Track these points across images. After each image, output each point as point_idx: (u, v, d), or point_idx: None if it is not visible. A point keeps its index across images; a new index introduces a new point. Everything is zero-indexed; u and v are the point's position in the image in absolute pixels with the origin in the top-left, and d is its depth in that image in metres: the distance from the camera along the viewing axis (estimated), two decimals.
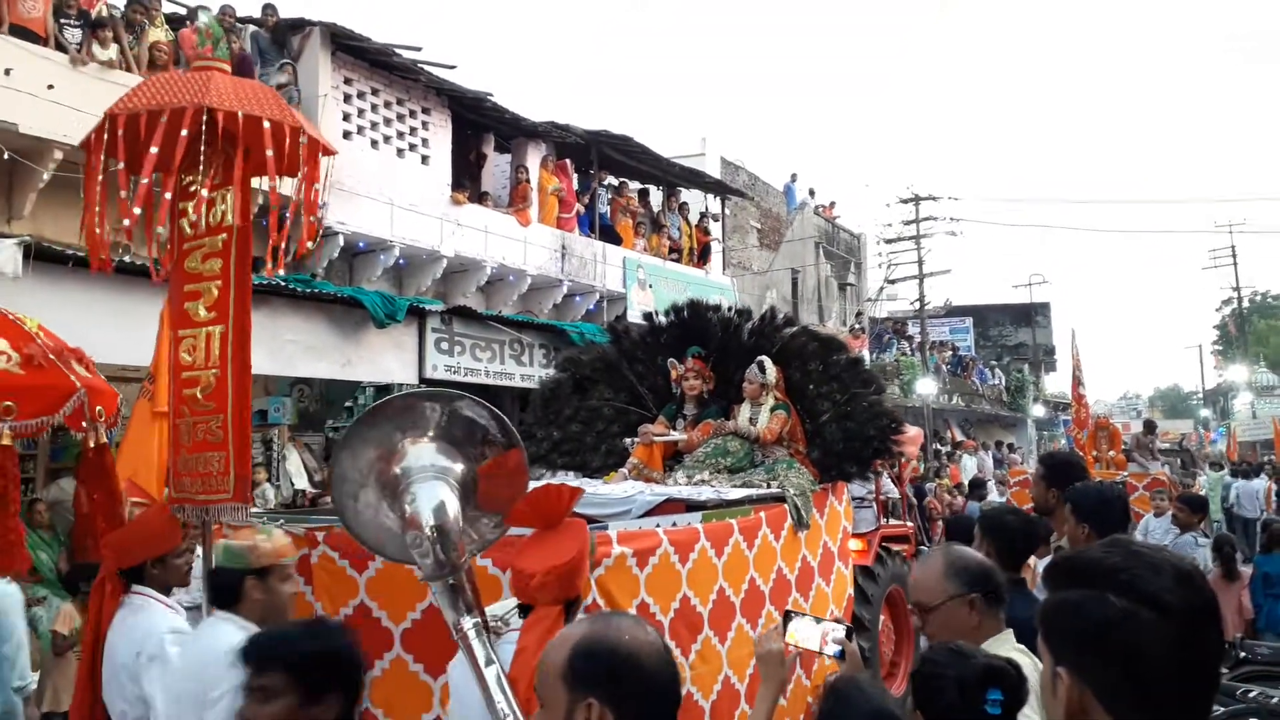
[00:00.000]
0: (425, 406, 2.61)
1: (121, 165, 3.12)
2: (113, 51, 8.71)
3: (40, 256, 7.37)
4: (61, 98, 8.11)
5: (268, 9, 10.66)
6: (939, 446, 21.75)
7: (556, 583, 2.52)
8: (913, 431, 8.25)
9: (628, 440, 5.65)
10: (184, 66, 9.65)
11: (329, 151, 3.47)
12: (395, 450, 2.55)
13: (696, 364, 5.76)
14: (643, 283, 14.81)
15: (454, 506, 2.49)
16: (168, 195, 3.22)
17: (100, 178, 3.23)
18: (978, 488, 13.99)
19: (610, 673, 1.59)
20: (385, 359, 10.41)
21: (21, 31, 8.25)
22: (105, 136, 3.12)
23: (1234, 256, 42.09)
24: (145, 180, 3.21)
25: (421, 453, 2.55)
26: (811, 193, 24.64)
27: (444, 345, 10.97)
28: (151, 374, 4.61)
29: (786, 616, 2.73)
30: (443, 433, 2.59)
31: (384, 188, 10.95)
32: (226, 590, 2.92)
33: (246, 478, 3.24)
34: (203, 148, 3.03)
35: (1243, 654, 6.64)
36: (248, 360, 3.25)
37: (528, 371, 12.07)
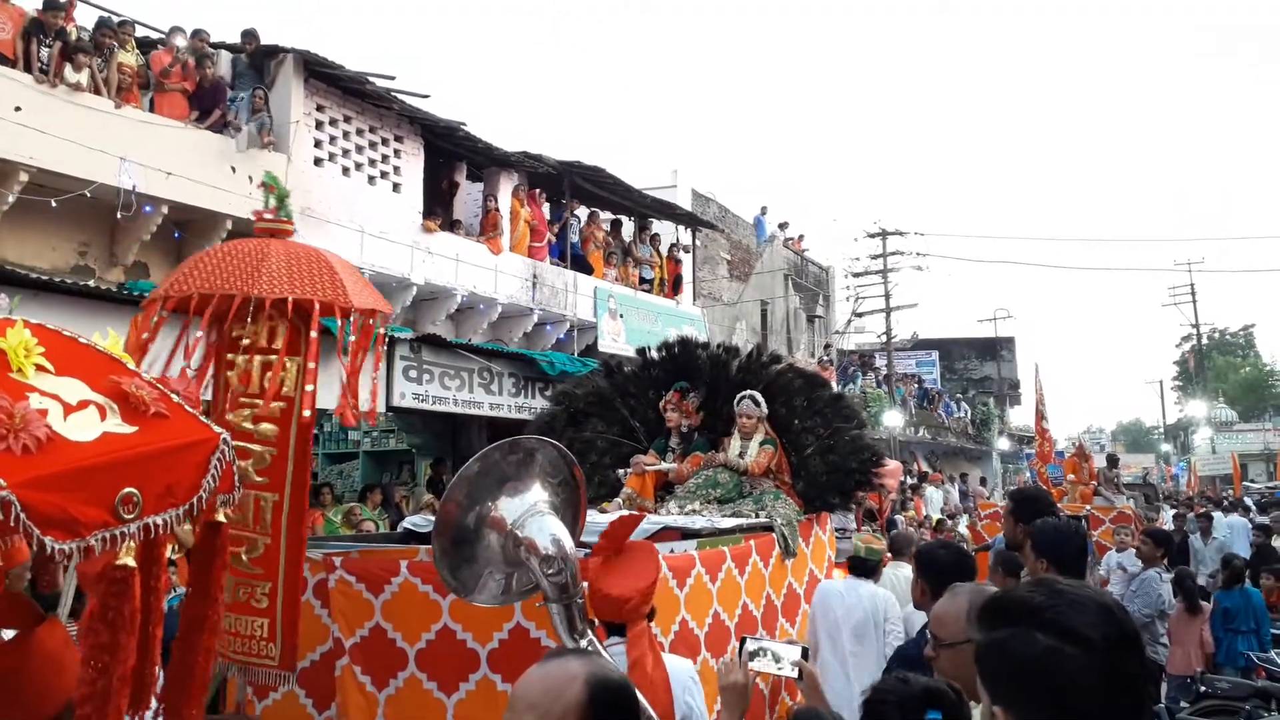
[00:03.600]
0: (516, 453, 2.96)
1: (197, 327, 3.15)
2: (84, 75, 8.66)
3: (3, 280, 7.26)
4: (29, 120, 8.04)
5: (247, 35, 10.65)
6: (905, 479, 21.86)
7: (647, 601, 2.98)
8: (892, 465, 8.36)
9: (620, 471, 5.79)
10: (154, 89, 9.63)
11: (385, 313, 3.42)
12: (498, 496, 2.88)
13: (674, 397, 5.90)
14: (614, 312, 14.84)
15: (567, 536, 2.86)
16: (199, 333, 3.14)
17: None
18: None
19: (625, 706, 1.70)
20: (322, 381, 10.30)
21: None
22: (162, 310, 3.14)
23: (1193, 294, 43.04)
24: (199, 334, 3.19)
25: (523, 494, 2.91)
26: (782, 226, 24.87)
27: (412, 373, 10.90)
28: None
29: (743, 642, 2.81)
30: (533, 475, 2.96)
31: (354, 215, 10.93)
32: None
33: (295, 647, 3.19)
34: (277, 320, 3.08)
35: (1203, 688, 6.71)
36: (303, 534, 3.20)
37: (496, 400, 12.02)
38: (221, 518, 2.23)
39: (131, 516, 1.82)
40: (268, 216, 3.34)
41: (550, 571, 2.79)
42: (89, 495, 1.75)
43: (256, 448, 3.17)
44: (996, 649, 1.40)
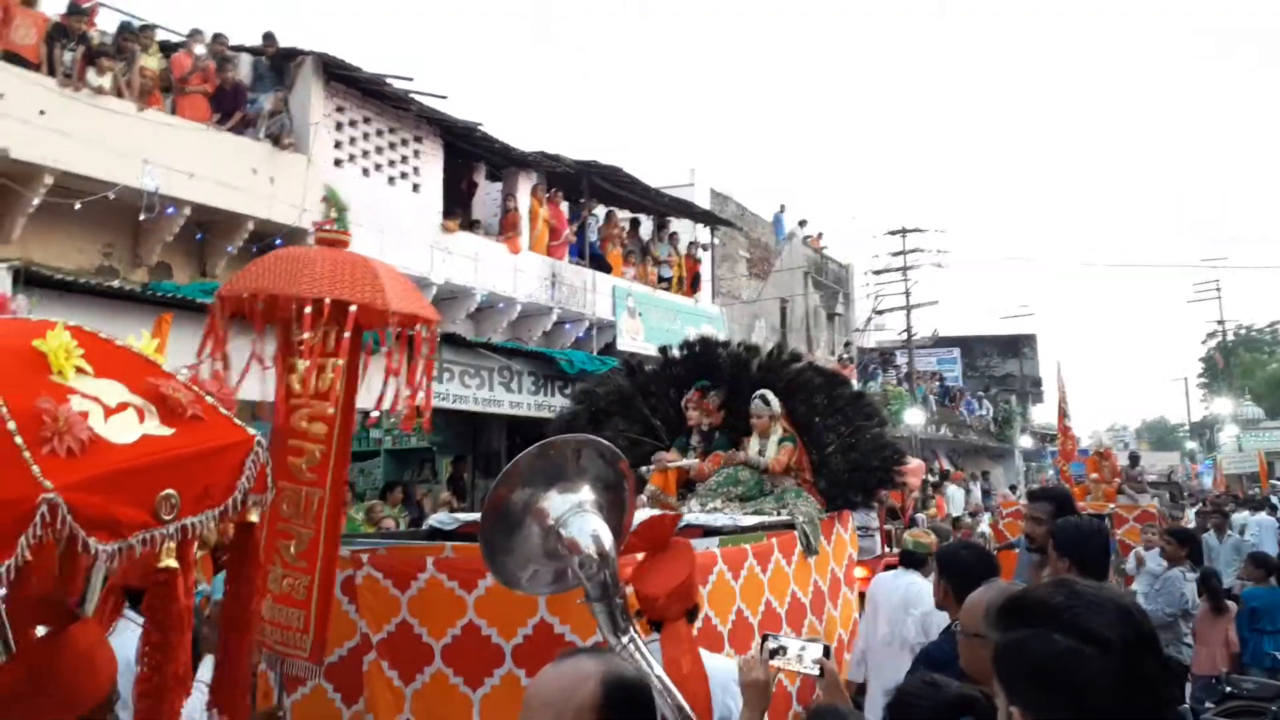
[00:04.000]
0: (563, 451, 2.97)
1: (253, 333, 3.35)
2: (106, 79, 8.75)
3: (30, 281, 7.34)
4: (52, 123, 8.13)
5: (267, 38, 10.73)
6: (927, 477, 21.76)
7: (678, 600, 3.03)
8: (914, 463, 8.37)
9: (642, 469, 5.80)
10: (175, 91, 9.72)
11: (430, 320, 3.56)
12: (545, 493, 2.90)
13: (695, 396, 5.94)
14: (632, 311, 14.85)
15: (608, 535, 2.86)
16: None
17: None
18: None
19: (643, 704, 1.70)
20: (373, 385, 10.38)
21: (14, 58, 8.27)
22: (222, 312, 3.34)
23: (1218, 290, 42.53)
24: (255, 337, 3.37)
25: (565, 493, 2.91)
26: (801, 223, 24.80)
27: (433, 372, 10.94)
28: None
29: (764, 639, 2.82)
30: (581, 472, 2.96)
31: (374, 216, 10.95)
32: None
33: (325, 642, 3.30)
34: (314, 318, 3.16)
35: (1229, 688, 6.64)
36: (340, 529, 3.34)
37: (516, 399, 12.06)
38: (254, 518, 2.26)
39: (170, 518, 1.86)
40: (327, 228, 3.51)
41: (590, 571, 2.81)
42: (130, 497, 1.79)
43: (310, 446, 3.32)
44: (1015, 649, 1.40)
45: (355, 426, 3.50)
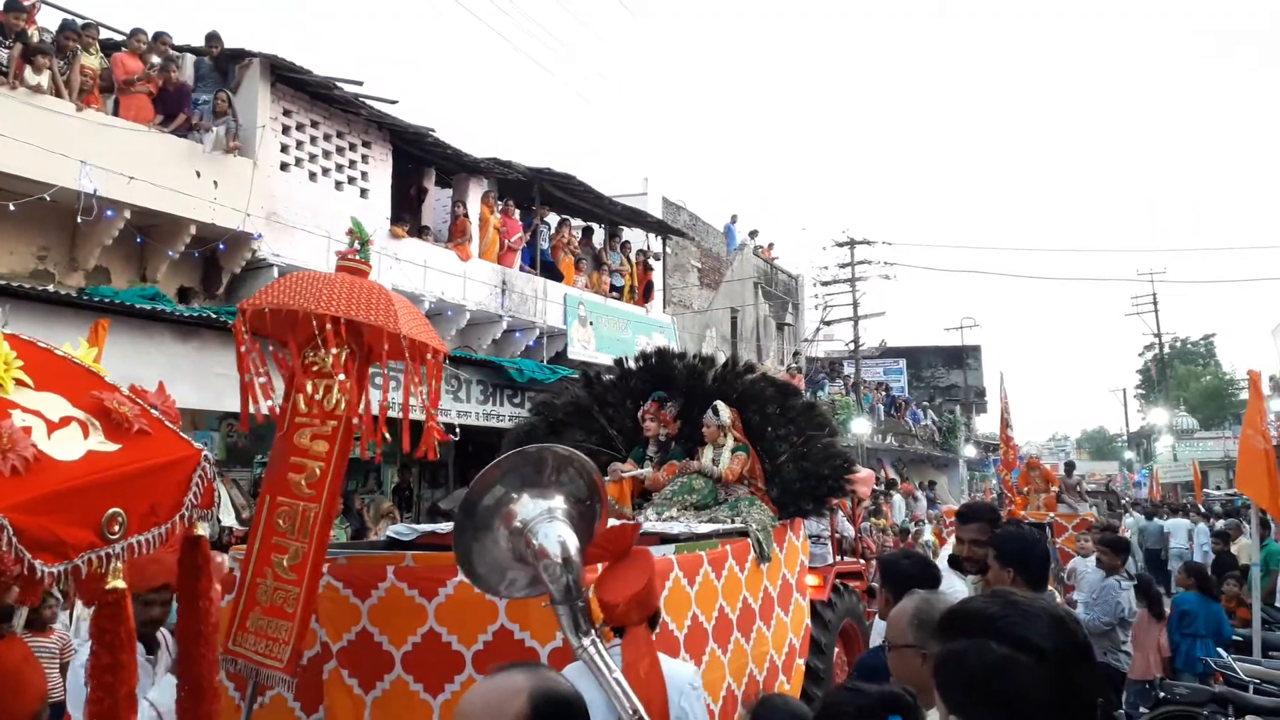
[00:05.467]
0: (532, 459, 3.07)
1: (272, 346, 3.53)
2: (44, 77, 8.53)
3: None
4: None
5: (211, 38, 10.55)
6: (876, 487, 22.02)
7: (638, 607, 3.12)
8: (865, 473, 8.47)
9: None
10: (118, 91, 9.51)
11: (440, 350, 3.67)
12: (513, 501, 2.98)
13: (652, 407, 6.01)
14: (583, 320, 14.83)
15: (574, 542, 2.95)
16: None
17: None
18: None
19: (571, 719, 1.68)
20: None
21: None
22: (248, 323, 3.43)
23: (1155, 304, 43.63)
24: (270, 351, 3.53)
25: (537, 498, 3.00)
26: (752, 234, 24.99)
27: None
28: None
29: None
30: (556, 481, 3.05)
31: (321, 220, 10.82)
32: None
33: (300, 653, 3.36)
34: (331, 339, 3.31)
35: (1162, 693, 6.79)
36: (327, 542, 3.42)
37: (464, 408, 11.96)
38: (201, 532, 2.23)
39: (116, 536, 1.81)
40: (351, 258, 3.63)
41: (554, 575, 2.90)
42: (76, 516, 1.75)
43: (311, 463, 3.42)
44: (954, 660, 1.42)
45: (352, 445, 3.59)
